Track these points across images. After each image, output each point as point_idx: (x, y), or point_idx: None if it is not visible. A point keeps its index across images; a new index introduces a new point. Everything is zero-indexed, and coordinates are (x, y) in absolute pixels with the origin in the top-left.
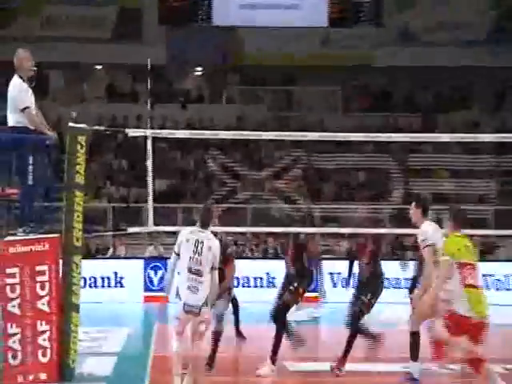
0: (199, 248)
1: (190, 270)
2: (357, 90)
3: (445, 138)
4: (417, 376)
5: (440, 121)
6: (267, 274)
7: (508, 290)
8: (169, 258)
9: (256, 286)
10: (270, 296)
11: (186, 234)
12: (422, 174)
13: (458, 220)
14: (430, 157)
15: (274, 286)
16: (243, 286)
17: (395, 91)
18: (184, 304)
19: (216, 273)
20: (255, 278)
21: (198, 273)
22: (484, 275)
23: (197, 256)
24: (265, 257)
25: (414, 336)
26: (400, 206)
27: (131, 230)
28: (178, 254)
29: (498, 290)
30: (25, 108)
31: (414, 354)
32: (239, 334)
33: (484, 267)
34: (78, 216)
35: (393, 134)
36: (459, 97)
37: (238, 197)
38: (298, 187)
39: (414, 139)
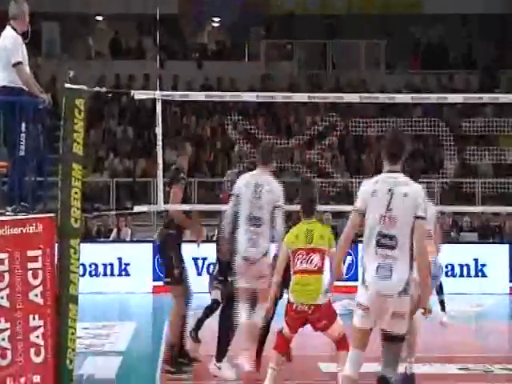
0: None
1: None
2: (403, 43)
3: (508, 98)
4: None
5: (502, 78)
6: None
7: None
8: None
9: None
10: None
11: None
12: (480, 141)
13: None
14: (490, 121)
15: None
16: None
17: (449, 44)
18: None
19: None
20: None
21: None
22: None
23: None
24: None
25: None
26: (454, 180)
27: (137, 208)
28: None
29: None
30: (17, 63)
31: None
32: None
33: None
34: (76, 193)
35: (446, 95)
36: None
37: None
38: (333, 158)
39: (470, 101)
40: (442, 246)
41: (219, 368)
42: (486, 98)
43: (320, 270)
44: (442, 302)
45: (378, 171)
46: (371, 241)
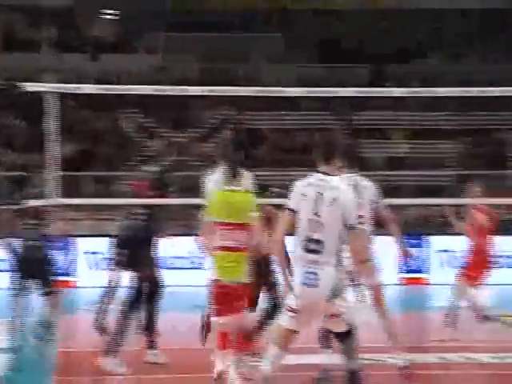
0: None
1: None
2: (298, 37)
3: (398, 92)
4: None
5: (391, 72)
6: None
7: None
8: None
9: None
10: None
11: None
12: (372, 134)
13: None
14: (381, 115)
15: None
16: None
17: (342, 39)
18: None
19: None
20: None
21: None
22: (439, 251)
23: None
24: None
25: None
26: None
27: (32, 203)
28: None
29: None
30: None
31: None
32: None
33: (444, 242)
34: None
35: (338, 88)
36: (415, 44)
37: (160, 163)
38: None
39: (362, 94)
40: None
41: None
42: (377, 91)
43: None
44: None
45: (277, 162)
46: (299, 245)
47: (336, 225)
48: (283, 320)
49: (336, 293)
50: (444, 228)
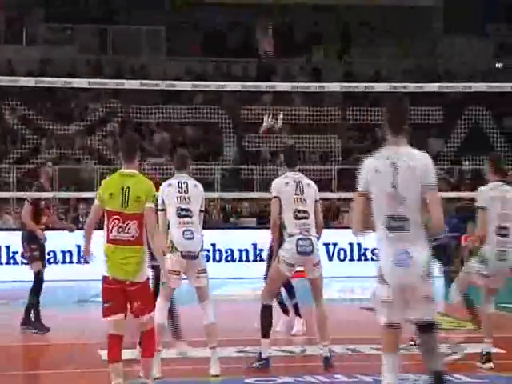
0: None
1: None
2: (184, 30)
3: (284, 87)
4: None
5: (279, 67)
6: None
7: (351, 260)
8: None
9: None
10: None
11: None
12: (259, 128)
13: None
14: (267, 109)
15: None
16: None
17: (229, 32)
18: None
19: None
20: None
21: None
22: (327, 244)
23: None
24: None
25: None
26: (234, 166)
27: None
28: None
29: (342, 260)
30: None
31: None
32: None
33: (327, 235)
34: None
35: (225, 83)
36: (301, 39)
37: (42, 156)
38: (113, 144)
39: (249, 88)
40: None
41: None
42: (264, 86)
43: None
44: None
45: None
46: (381, 224)
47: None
48: (382, 319)
49: (428, 272)
50: None
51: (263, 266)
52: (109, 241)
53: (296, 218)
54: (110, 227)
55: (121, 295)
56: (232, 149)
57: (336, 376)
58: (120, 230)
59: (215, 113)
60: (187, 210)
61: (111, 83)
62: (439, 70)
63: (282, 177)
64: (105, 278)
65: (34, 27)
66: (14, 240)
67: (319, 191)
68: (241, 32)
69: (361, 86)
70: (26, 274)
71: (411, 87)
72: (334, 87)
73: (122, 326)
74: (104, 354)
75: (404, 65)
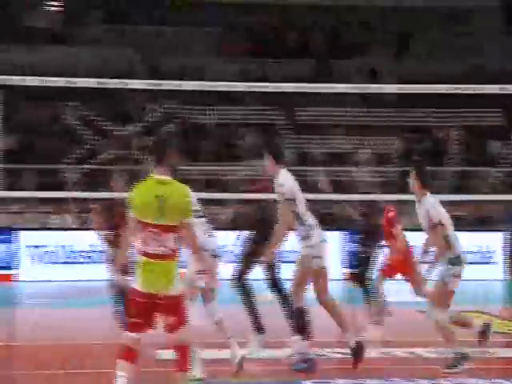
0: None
1: None
2: (240, 31)
3: (340, 88)
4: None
5: (335, 68)
6: None
7: None
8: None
9: None
10: None
11: None
12: (314, 130)
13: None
14: (323, 110)
15: None
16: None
17: (285, 33)
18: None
19: None
20: None
21: None
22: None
23: None
24: None
25: None
26: (290, 168)
27: None
28: None
29: None
30: None
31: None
32: None
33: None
34: None
35: (281, 84)
36: (358, 40)
37: (102, 157)
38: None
39: (304, 89)
40: None
41: None
42: (321, 87)
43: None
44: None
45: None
46: None
47: None
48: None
49: None
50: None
51: None
52: (142, 253)
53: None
54: (144, 238)
55: (151, 310)
56: (288, 150)
57: (393, 379)
58: (156, 242)
59: (272, 114)
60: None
61: (169, 84)
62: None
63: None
64: (135, 291)
65: (93, 28)
66: (73, 239)
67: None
68: (297, 33)
69: (418, 88)
70: (84, 273)
71: (470, 89)
72: (391, 89)
73: (141, 342)
74: (160, 353)
75: (461, 66)
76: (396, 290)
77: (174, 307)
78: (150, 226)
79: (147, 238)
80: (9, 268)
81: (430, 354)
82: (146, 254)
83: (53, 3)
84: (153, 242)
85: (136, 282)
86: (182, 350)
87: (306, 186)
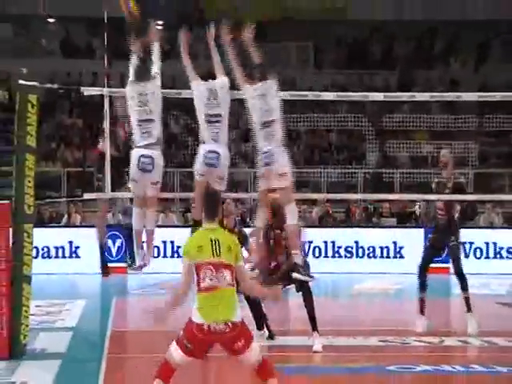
0: None
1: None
2: (330, 45)
3: (423, 97)
4: None
5: (418, 78)
6: None
7: (487, 258)
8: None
9: None
10: None
11: None
12: (399, 135)
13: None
14: (407, 117)
15: None
16: None
17: (371, 46)
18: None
19: None
20: None
21: None
22: (463, 242)
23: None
24: None
25: None
26: (376, 170)
27: (87, 196)
28: None
29: (478, 258)
30: None
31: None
32: None
33: (464, 234)
34: (30, 181)
35: (368, 93)
36: (439, 52)
37: None
38: None
39: (390, 98)
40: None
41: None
42: (404, 96)
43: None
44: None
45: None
46: None
47: None
48: None
49: None
50: None
51: (402, 262)
52: (201, 290)
53: None
54: (202, 276)
55: (207, 345)
56: (374, 154)
57: (473, 366)
58: (213, 277)
59: (359, 121)
60: None
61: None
62: None
63: None
64: (197, 325)
65: (197, 45)
66: (177, 236)
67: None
68: (382, 45)
69: (497, 96)
70: None
71: None
72: (471, 97)
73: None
74: None
75: None
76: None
77: (239, 333)
78: (206, 265)
79: (204, 275)
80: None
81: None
82: (204, 290)
83: (159, 22)
84: (210, 277)
85: (197, 316)
86: (260, 366)
87: (390, 186)
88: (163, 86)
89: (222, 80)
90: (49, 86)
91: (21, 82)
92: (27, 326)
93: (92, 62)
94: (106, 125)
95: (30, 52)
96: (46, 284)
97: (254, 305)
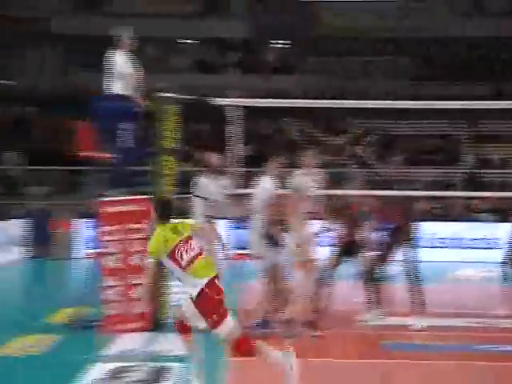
0: None
1: None
2: (428, 61)
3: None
4: None
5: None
6: None
7: None
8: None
9: None
10: None
11: None
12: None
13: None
14: (500, 122)
15: None
16: None
17: (470, 61)
18: None
19: None
20: None
21: None
22: None
23: None
24: None
25: None
26: (471, 171)
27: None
28: None
29: None
30: (122, 76)
31: None
32: None
33: None
34: (169, 180)
35: (465, 102)
36: None
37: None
38: (371, 152)
39: (484, 106)
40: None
41: None
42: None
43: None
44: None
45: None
46: None
47: None
48: None
49: None
50: None
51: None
52: None
53: None
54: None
55: None
56: (469, 156)
57: None
58: None
59: (455, 126)
60: None
61: (367, 104)
62: None
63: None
64: None
65: (311, 60)
66: None
67: None
68: (480, 60)
69: None
70: None
71: None
72: None
73: None
74: None
75: None
76: None
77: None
78: None
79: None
80: None
81: None
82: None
83: (283, 42)
84: None
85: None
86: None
87: (485, 185)
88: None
89: None
90: (185, 97)
91: (162, 94)
92: (168, 302)
93: (223, 76)
94: (234, 130)
95: (170, 69)
96: None
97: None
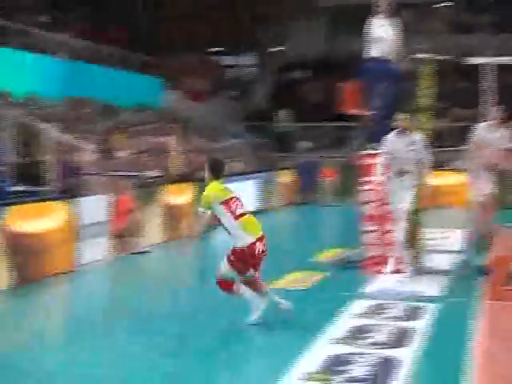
0: None
1: None
2: None
3: None
4: None
5: None
6: None
7: None
8: None
9: None
10: None
11: None
12: None
13: (215, 170)
14: None
15: None
16: None
17: None
18: None
19: None
20: None
21: None
22: None
23: None
24: None
25: None
26: None
27: None
28: None
29: None
30: (381, 40)
31: None
32: None
33: None
34: (425, 135)
35: None
36: None
37: None
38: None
39: None
40: None
41: None
42: None
43: None
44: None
45: None
46: None
47: None
48: None
49: None
50: None
51: None
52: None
53: None
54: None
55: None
56: None
57: None
58: None
59: None
60: None
61: None
62: None
63: None
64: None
65: None
66: None
67: None
68: None
69: None
70: None
71: None
72: None
73: None
74: None
75: None
76: None
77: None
78: None
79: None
80: None
81: None
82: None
83: None
84: None
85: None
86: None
87: None
88: None
89: None
90: (441, 57)
91: (418, 55)
92: (422, 248)
93: (476, 36)
94: (488, 87)
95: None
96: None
97: None
